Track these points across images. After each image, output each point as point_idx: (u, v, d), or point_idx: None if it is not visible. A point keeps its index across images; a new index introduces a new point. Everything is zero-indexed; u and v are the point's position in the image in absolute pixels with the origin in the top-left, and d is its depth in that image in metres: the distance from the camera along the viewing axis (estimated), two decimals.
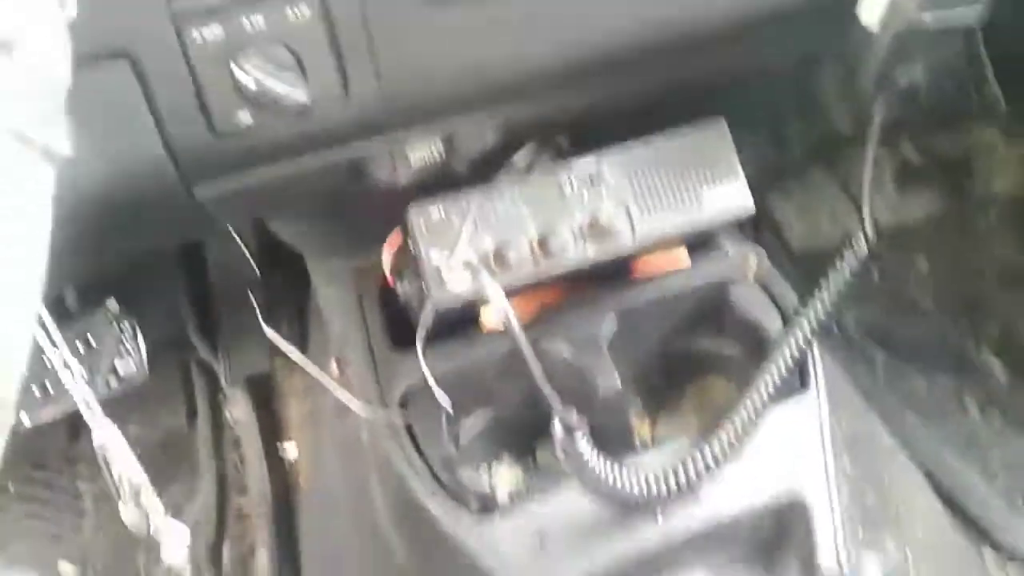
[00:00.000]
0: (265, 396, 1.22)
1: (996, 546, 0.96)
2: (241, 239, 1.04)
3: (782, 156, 1.31)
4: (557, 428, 0.65)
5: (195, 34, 0.52)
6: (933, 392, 1.13)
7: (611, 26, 0.63)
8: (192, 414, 1.26)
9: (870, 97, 0.74)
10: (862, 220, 0.78)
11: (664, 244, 0.77)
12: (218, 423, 1.26)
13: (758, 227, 1.29)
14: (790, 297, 0.82)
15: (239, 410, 1.23)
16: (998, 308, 1.23)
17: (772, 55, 0.79)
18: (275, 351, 1.21)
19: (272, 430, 1.20)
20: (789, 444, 0.74)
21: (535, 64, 0.63)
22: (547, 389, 0.64)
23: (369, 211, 0.77)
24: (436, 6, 0.57)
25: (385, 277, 0.81)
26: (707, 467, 0.69)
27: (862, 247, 0.77)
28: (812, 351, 0.78)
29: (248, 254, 0.83)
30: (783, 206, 1.32)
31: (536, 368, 0.63)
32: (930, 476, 0.98)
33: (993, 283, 1.27)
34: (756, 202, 0.76)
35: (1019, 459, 1.05)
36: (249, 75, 0.53)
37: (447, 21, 0.58)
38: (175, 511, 0.75)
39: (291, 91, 0.54)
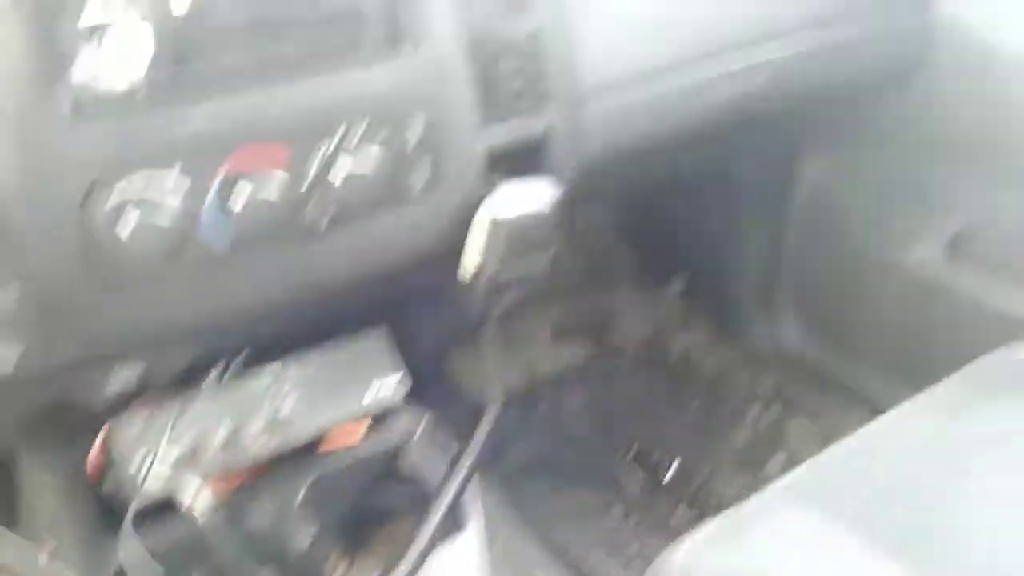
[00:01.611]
0: None
1: None
2: None
3: (461, 320, 1.57)
4: None
5: None
6: (585, 505, 1.39)
7: (297, 279, 0.75)
8: None
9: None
10: (494, 389, 1.01)
11: (343, 426, 0.97)
12: None
13: (441, 382, 1.54)
14: (452, 450, 1.02)
15: None
16: (634, 432, 1.54)
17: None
18: None
19: None
20: (451, 570, 0.93)
21: (222, 317, 0.74)
22: (233, 566, 0.76)
23: (74, 414, 0.85)
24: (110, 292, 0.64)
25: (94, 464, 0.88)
26: None
27: (493, 410, 1.01)
28: (468, 493, 0.98)
29: None
30: (463, 360, 1.55)
31: (225, 550, 0.75)
32: (577, 571, 1.20)
33: (630, 413, 1.59)
34: (440, 359, 0.94)
35: (651, 551, 1.34)
36: None
37: (129, 297, 0.65)
38: None
39: None
